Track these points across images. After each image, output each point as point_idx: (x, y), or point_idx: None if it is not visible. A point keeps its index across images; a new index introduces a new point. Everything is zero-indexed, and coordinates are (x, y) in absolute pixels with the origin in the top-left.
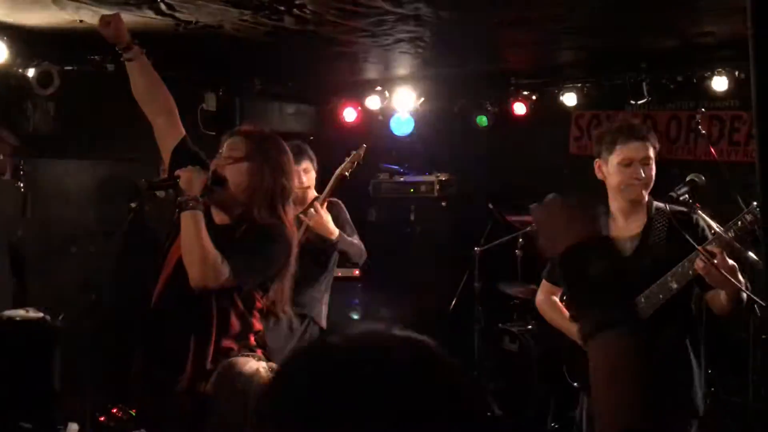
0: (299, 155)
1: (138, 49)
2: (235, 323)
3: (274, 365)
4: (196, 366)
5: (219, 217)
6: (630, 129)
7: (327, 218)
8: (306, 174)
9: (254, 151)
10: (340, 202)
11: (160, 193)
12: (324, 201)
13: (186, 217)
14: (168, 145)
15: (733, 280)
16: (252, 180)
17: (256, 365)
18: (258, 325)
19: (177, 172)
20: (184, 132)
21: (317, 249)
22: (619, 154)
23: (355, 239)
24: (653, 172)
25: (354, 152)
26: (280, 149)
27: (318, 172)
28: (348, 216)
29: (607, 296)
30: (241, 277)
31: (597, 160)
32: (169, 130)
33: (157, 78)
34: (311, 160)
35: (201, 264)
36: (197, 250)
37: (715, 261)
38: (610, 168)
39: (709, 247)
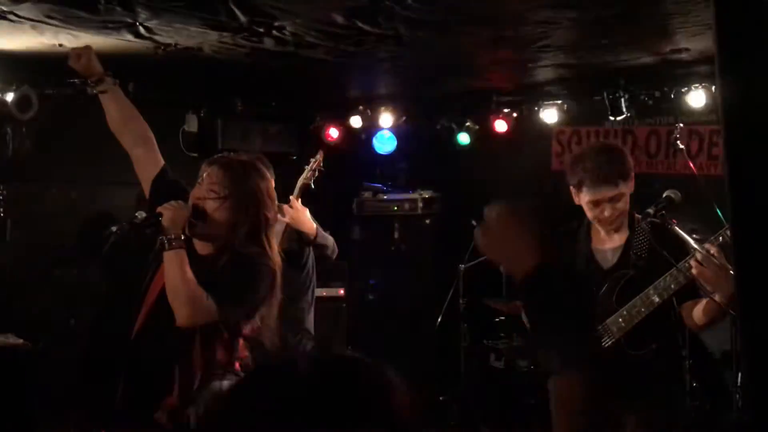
0: None
1: (111, 80)
2: (221, 353)
3: None
4: (182, 396)
5: (201, 246)
6: (597, 174)
7: (305, 212)
8: None
9: (235, 185)
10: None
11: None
12: (297, 199)
13: (170, 257)
14: (147, 176)
15: (726, 282)
16: (234, 215)
17: None
18: (244, 352)
19: (159, 209)
20: (163, 162)
21: (294, 252)
22: (586, 195)
23: (328, 235)
24: (626, 202)
25: (312, 159)
26: (262, 178)
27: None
28: None
29: (573, 328)
30: (227, 312)
31: (571, 186)
32: (147, 161)
33: (132, 108)
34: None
35: (187, 304)
36: (183, 290)
37: (713, 261)
38: (581, 202)
39: (707, 245)
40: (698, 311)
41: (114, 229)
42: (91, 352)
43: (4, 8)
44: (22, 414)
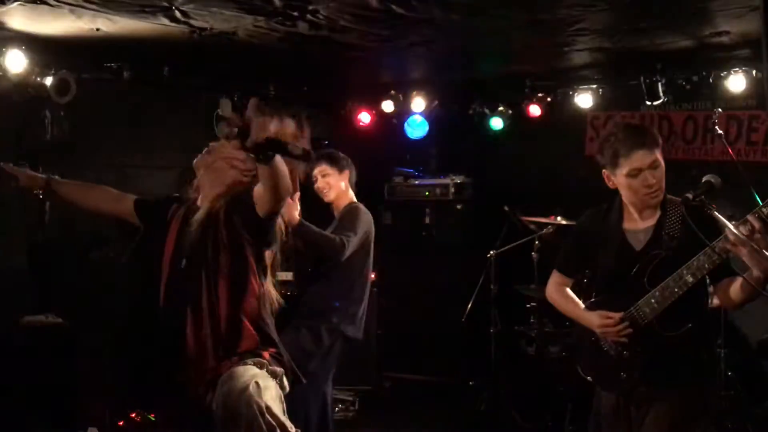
0: (316, 160)
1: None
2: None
3: (277, 369)
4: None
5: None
6: (631, 139)
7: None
8: (324, 177)
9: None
10: (357, 207)
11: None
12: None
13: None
14: (128, 211)
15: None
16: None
17: (253, 375)
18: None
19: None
20: (133, 197)
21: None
22: (624, 166)
23: (347, 236)
24: (663, 172)
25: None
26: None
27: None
28: (356, 220)
29: None
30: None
31: (604, 170)
32: (125, 209)
33: (80, 185)
34: (331, 163)
35: None
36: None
37: (756, 235)
38: (618, 179)
39: (750, 218)
40: (735, 288)
41: None
42: (130, 331)
43: None
44: (61, 392)
